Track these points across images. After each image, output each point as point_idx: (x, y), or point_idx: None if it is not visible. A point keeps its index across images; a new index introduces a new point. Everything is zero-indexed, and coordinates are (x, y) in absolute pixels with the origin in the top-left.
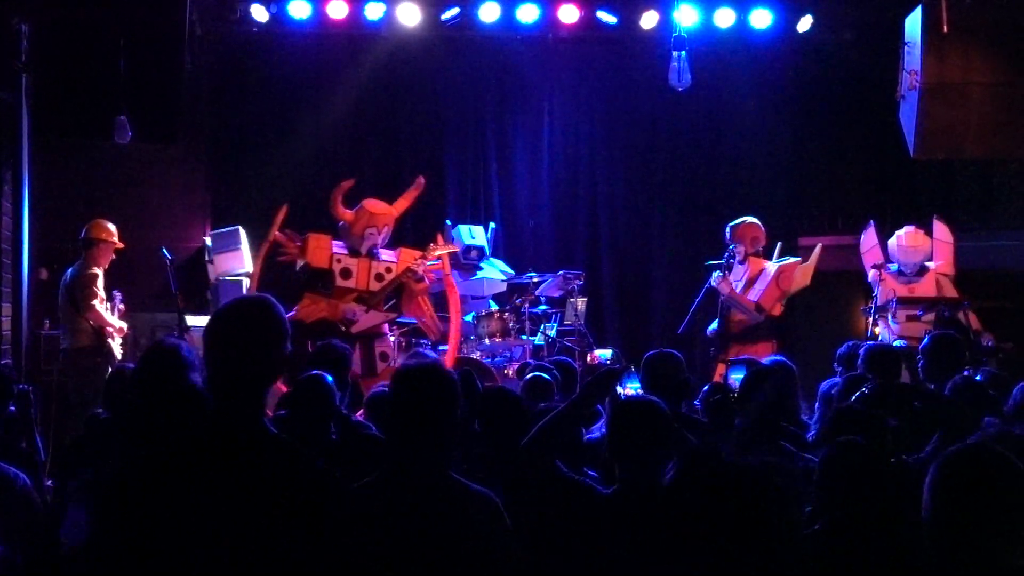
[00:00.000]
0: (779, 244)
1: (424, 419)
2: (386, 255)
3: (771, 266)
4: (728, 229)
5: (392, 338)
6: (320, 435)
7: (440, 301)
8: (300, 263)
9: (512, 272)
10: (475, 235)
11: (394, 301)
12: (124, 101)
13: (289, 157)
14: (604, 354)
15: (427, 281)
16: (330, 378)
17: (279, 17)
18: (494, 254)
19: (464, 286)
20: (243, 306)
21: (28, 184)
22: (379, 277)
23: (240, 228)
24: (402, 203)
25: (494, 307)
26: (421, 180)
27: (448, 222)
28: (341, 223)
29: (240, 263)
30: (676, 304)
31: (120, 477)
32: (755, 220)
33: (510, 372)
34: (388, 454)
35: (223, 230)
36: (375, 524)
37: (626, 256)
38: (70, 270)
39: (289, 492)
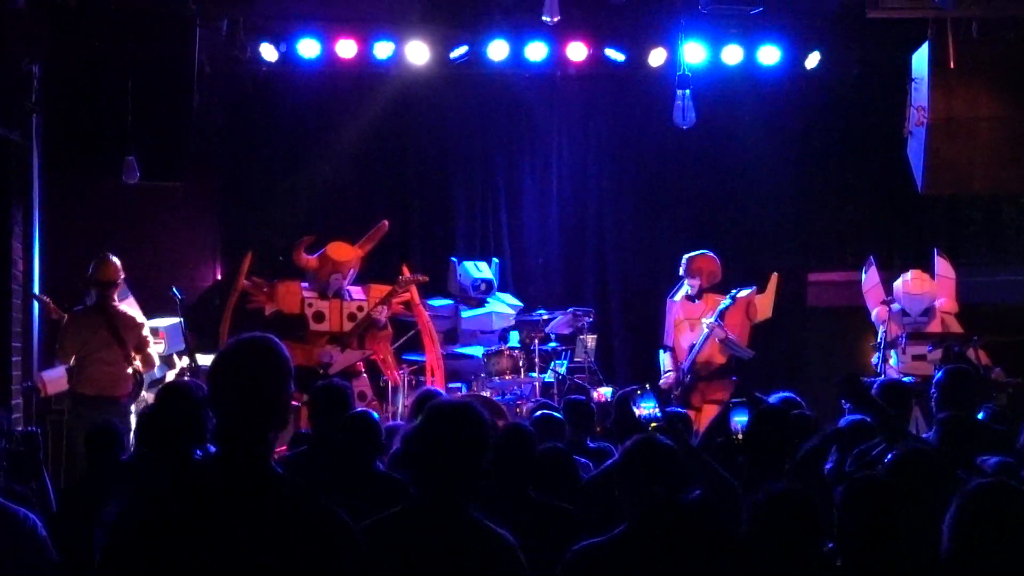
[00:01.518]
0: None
1: (455, 458)
2: (356, 293)
3: (730, 301)
4: (684, 261)
5: (399, 375)
6: (366, 468)
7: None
8: (270, 310)
9: (520, 305)
10: (481, 268)
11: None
12: (133, 141)
13: (298, 195)
14: (606, 392)
15: (389, 328)
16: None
17: (288, 56)
18: (500, 290)
19: (473, 321)
20: (246, 346)
21: (39, 224)
22: (351, 317)
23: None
24: (366, 244)
25: (514, 343)
26: (384, 224)
27: (453, 259)
28: (307, 270)
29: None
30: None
31: (126, 520)
32: (712, 254)
33: (522, 411)
34: (412, 489)
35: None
36: (392, 560)
37: (635, 292)
38: (87, 306)
39: (299, 535)
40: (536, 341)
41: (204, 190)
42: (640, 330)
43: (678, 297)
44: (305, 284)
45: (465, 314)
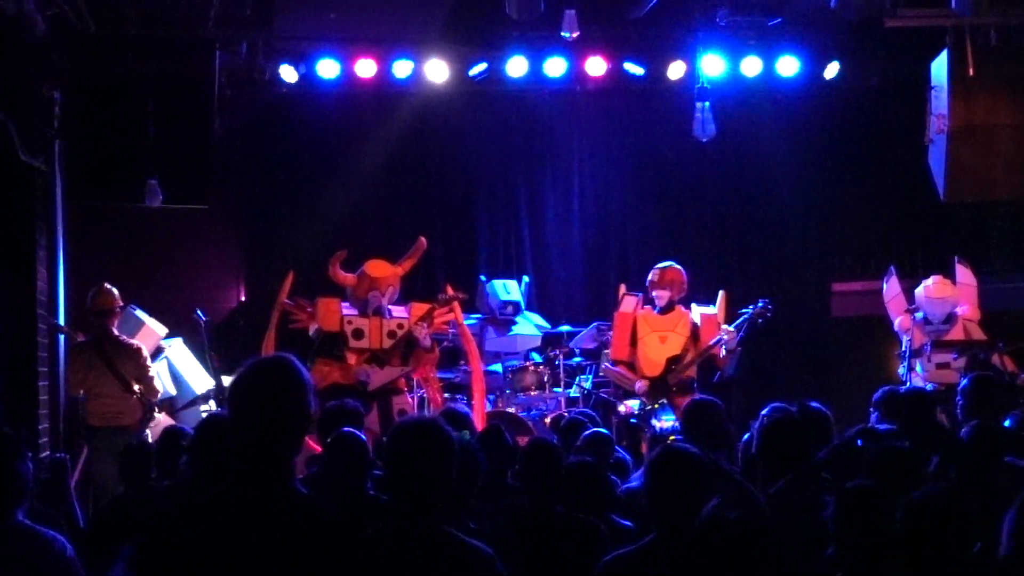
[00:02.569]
0: (721, 292)
1: (416, 474)
2: (397, 311)
3: (705, 316)
4: (654, 273)
5: (426, 393)
6: (357, 491)
7: (453, 353)
8: (313, 328)
9: (547, 326)
10: (510, 290)
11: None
12: (154, 165)
13: (320, 216)
14: (635, 404)
15: (435, 351)
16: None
17: (308, 77)
18: (528, 307)
19: (498, 343)
20: (264, 366)
21: (63, 249)
22: (391, 334)
23: (131, 307)
24: (406, 263)
25: (537, 358)
26: (423, 241)
27: (483, 278)
28: (346, 288)
29: (154, 337)
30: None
31: (153, 542)
32: (679, 266)
33: (548, 422)
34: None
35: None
36: None
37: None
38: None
39: (322, 554)
40: (561, 356)
41: (226, 212)
42: None
43: (630, 308)
44: (346, 303)
45: (491, 335)
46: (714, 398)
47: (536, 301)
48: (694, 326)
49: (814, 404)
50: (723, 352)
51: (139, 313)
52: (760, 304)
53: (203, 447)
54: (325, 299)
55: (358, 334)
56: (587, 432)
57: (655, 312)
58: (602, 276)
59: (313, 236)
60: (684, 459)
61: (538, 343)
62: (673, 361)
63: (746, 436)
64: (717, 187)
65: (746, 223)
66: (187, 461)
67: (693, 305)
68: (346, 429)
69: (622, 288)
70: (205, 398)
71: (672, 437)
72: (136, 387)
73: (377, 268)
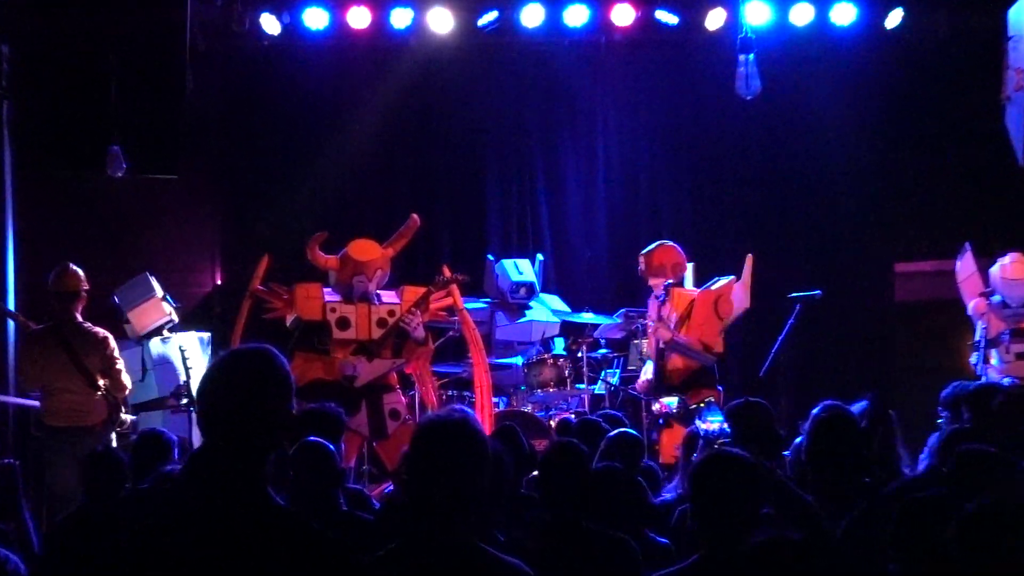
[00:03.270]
0: (690, 265)
1: (445, 482)
2: (387, 297)
3: (701, 294)
4: (642, 259)
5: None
6: (327, 507)
7: (461, 345)
8: (291, 318)
9: (567, 310)
10: (522, 270)
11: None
12: (117, 129)
13: (309, 188)
14: (671, 401)
15: (430, 343)
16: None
17: (293, 28)
18: (544, 290)
19: (509, 330)
20: (239, 359)
21: (12, 224)
22: (381, 323)
23: (148, 273)
24: (395, 243)
25: (559, 347)
26: (415, 219)
27: (490, 257)
28: (328, 272)
29: (160, 313)
30: (755, 342)
31: (115, 551)
32: (672, 244)
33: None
34: (410, 519)
35: (128, 282)
36: None
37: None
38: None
39: (299, 570)
40: (584, 348)
41: (201, 184)
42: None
43: (650, 330)
44: (328, 288)
45: (502, 322)
46: (761, 400)
47: (554, 285)
48: (690, 304)
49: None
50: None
51: (154, 281)
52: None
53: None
54: (304, 284)
55: (343, 323)
56: (613, 433)
57: (659, 301)
58: (631, 255)
59: (299, 212)
60: (735, 466)
61: (556, 330)
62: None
63: (797, 440)
64: (762, 152)
65: (795, 194)
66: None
67: (722, 279)
68: (311, 439)
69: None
70: (176, 396)
71: (721, 441)
72: (101, 382)
73: (362, 250)
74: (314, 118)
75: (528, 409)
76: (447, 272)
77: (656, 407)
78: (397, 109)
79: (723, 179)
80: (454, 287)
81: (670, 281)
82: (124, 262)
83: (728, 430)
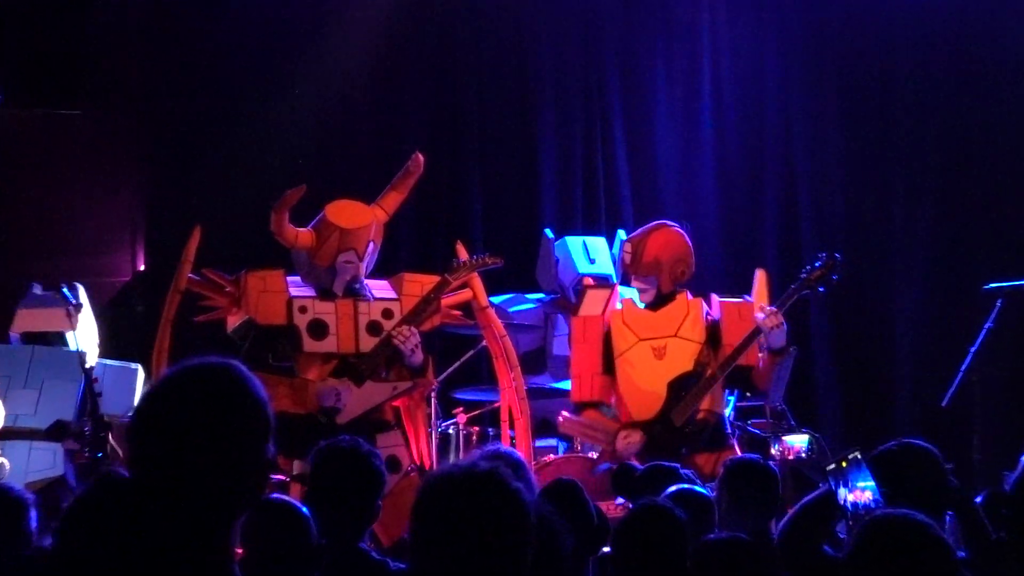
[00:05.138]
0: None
1: (463, 567)
2: (380, 290)
3: (717, 304)
4: (625, 247)
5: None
6: None
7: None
8: (236, 321)
9: None
10: (595, 253)
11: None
12: None
13: (264, 139)
14: (797, 441)
15: (429, 372)
16: (305, 508)
17: None
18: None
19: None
20: (189, 382)
21: None
22: (374, 328)
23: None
24: (392, 199)
25: None
26: (418, 158)
27: (548, 233)
28: (297, 252)
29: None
30: (932, 358)
31: None
32: (676, 227)
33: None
34: None
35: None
36: None
37: (849, 280)
38: None
39: None
40: None
41: (117, 135)
42: (856, 339)
43: (597, 308)
44: (294, 277)
45: (563, 329)
46: (925, 443)
47: None
48: (712, 324)
49: None
50: (763, 355)
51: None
52: (818, 263)
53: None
54: (258, 272)
55: (318, 329)
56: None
57: (642, 308)
58: (750, 226)
59: (252, 171)
60: (923, 542)
61: None
62: (680, 386)
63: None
64: (948, 83)
65: (997, 139)
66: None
67: (714, 296)
68: (275, 496)
69: (587, 280)
70: (59, 432)
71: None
72: None
73: (349, 214)
74: (277, 43)
75: (594, 455)
76: (462, 253)
77: (774, 451)
78: (395, 24)
79: (890, 115)
80: (474, 276)
81: (679, 278)
82: (5, 240)
83: (881, 499)
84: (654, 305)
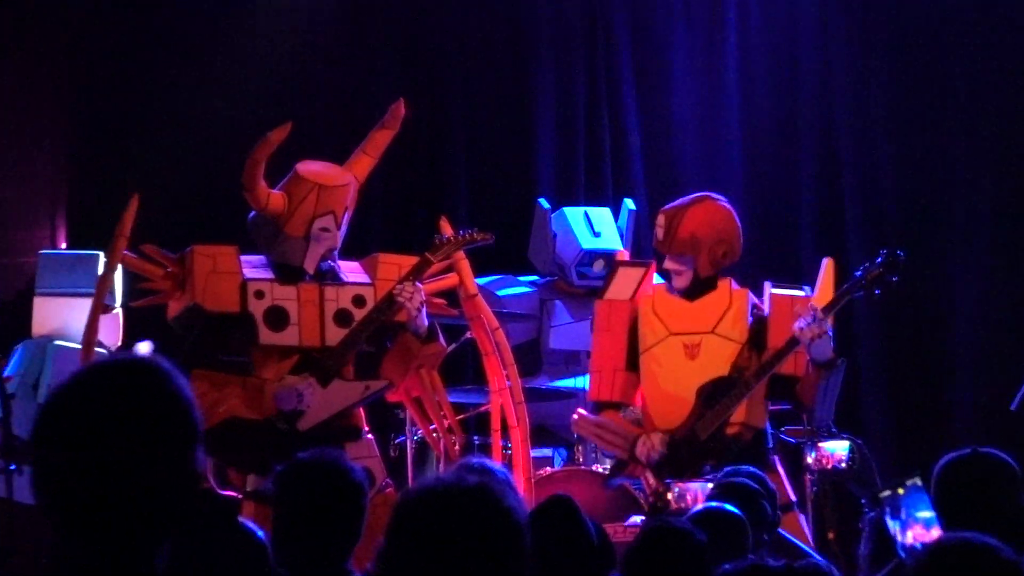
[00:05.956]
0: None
1: None
2: (350, 272)
3: (769, 297)
4: (662, 218)
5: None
6: None
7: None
8: (179, 307)
9: None
10: (599, 225)
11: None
12: None
13: (205, 92)
14: (836, 448)
15: (441, 343)
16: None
17: None
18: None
19: (574, 333)
20: (104, 379)
21: None
22: (343, 318)
23: (102, 255)
24: (364, 163)
25: None
26: (399, 109)
27: (543, 203)
28: (260, 216)
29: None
30: (997, 354)
31: None
32: (723, 201)
33: (672, 498)
34: None
35: (64, 252)
36: None
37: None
38: None
39: None
40: None
41: (34, 81)
42: (908, 332)
43: (627, 292)
44: (249, 256)
45: (562, 318)
46: (996, 452)
47: (651, 252)
48: (758, 320)
49: None
50: (808, 360)
51: None
52: (878, 259)
53: None
54: (207, 249)
55: (277, 318)
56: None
57: (674, 295)
58: (780, 205)
59: (197, 129)
60: (994, 570)
61: None
62: (712, 393)
63: None
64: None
65: None
66: None
67: (768, 286)
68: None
69: (622, 253)
70: None
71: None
72: None
73: (325, 173)
74: None
75: (599, 468)
76: (446, 228)
77: (810, 458)
78: None
79: (949, 71)
80: (461, 258)
81: (722, 261)
82: None
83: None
84: (691, 293)
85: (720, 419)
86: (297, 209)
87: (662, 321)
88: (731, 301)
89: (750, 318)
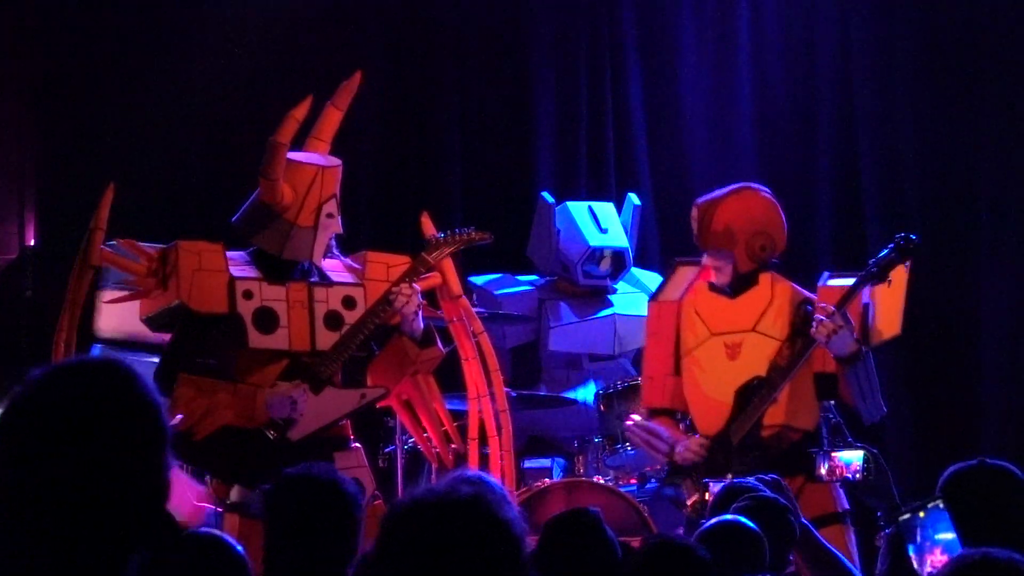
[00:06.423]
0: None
1: None
2: (332, 271)
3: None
4: (696, 211)
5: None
6: None
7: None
8: (157, 306)
9: None
10: (605, 220)
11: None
12: None
13: (183, 76)
14: (851, 458)
15: (437, 345)
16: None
17: None
18: (640, 261)
19: (575, 333)
20: (68, 379)
21: None
22: (332, 320)
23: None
24: (320, 141)
25: None
26: (357, 76)
27: (546, 197)
28: (264, 209)
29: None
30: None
31: None
32: (764, 191)
33: (691, 503)
34: None
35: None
36: None
37: (925, 258)
38: None
39: None
40: None
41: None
42: (931, 335)
43: (676, 293)
44: (238, 252)
45: (565, 317)
46: (1008, 465)
47: (658, 246)
48: (804, 313)
49: None
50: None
51: None
52: (891, 245)
53: None
54: (193, 245)
55: (266, 320)
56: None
57: (716, 293)
58: (796, 197)
59: (175, 115)
60: None
61: None
62: (750, 394)
63: None
64: None
65: None
66: None
67: (826, 276)
68: (204, 531)
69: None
70: None
71: None
72: None
73: (315, 156)
74: None
75: (602, 479)
76: (428, 227)
77: (823, 469)
78: None
79: (976, 62)
80: (443, 256)
81: (761, 254)
82: None
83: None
84: (732, 290)
85: (751, 421)
86: (306, 197)
87: (704, 322)
88: (773, 296)
89: (802, 313)
